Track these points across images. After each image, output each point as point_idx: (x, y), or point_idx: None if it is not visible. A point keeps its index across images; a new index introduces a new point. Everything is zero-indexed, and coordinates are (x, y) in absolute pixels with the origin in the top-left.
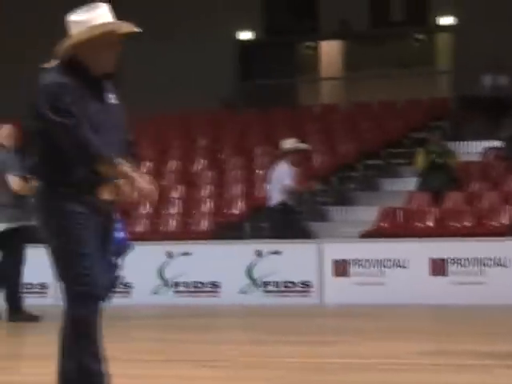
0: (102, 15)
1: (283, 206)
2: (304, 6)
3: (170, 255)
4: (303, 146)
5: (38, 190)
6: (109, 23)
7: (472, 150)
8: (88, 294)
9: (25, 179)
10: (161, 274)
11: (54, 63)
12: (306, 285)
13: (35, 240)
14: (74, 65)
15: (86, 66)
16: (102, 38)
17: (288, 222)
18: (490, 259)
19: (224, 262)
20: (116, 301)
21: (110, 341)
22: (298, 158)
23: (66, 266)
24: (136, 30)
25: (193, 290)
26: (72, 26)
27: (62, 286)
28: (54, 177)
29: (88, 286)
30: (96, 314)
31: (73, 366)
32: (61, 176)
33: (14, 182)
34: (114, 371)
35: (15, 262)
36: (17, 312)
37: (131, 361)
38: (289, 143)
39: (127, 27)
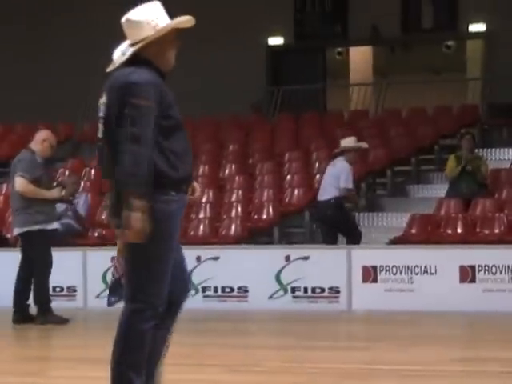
0: (161, 13)
1: (337, 201)
2: (334, 11)
3: (198, 259)
4: (364, 144)
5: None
6: (173, 21)
7: (502, 157)
8: (153, 313)
9: (34, 182)
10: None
11: (117, 63)
12: (334, 290)
13: (55, 243)
14: (147, 64)
15: (156, 65)
16: (168, 36)
17: (340, 218)
18: None
19: (253, 267)
20: None
21: None
22: (356, 157)
23: (148, 277)
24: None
25: (221, 294)
26: (134, 25)
27: (130, 292)
28: (159, 179)
29: (155, 306)
30: (151, 331)
31: (116, 376)
32: (166, 178)
33: (20, 183)
34: None
35: (40, 265)
36: (45, 314)
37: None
38: (348, 141)
39: (188, 21)
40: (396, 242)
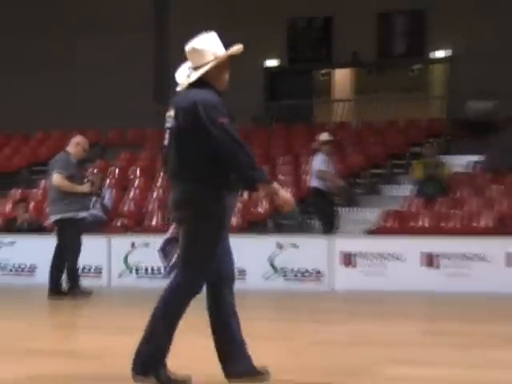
0: (218, 42)
1: (315, 190)
2: (320, 39)
3: None
4: (333, 137)
5: (198, 192)
6: (229, 49)
7: (462, 162)
8: (197, 290)
9: (68, 178)
10: None
11: (190, 82)
12: (318, 273)
13: (84, 230)
14: (207, 85)
15: (213, 85)
16: (225, 62)
17: (319, 205)
18: (475, 255)
19: (250, 253)
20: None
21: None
22: (332, 148)
23: (202, 262)
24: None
25: None
26: (198, 53)
27: (184, 269)
28: (216, 180)
29: (200, 285)
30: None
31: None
32: (222, 179)
33: (57, 178)
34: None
35: (71, 248)
36: (75, 289)
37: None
38: (323, 136)
39: (239, 49)
40: (370, 232)
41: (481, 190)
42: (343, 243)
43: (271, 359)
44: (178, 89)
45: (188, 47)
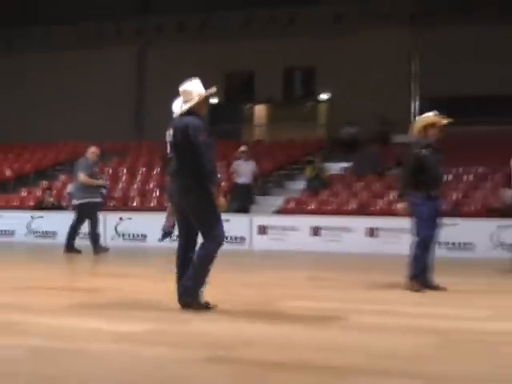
0: (200, 85)
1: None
2: (247, 85)
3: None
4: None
5: (193, 183)
6: (206, 91)
7: (336, 167)
8: (222, 241)
9: (89, 176)
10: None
11: (182, 111)
12: (242, 239)
13: (99, 209)
14: (194, 114)
15: (198, 114)
16: (205, 99)
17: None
18: (345, 227)
19: None
20: None
21: None
22: (247, 156)
23: (214, 221)
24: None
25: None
26: (188, 92)
27: (210, 236)
28: (201, 175)
29: (222, 237)
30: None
31: (193, 285)
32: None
33: (81, 177)
34: None
35: (93, 221)
36: (97, 247)
37: None
38: (242, 148)
39: (213, 90)
40: (277, 212)
41: (348, 185)
42: (259, 219)
43: (208, 296)
44: (174, 115)
45: (181, 88)
